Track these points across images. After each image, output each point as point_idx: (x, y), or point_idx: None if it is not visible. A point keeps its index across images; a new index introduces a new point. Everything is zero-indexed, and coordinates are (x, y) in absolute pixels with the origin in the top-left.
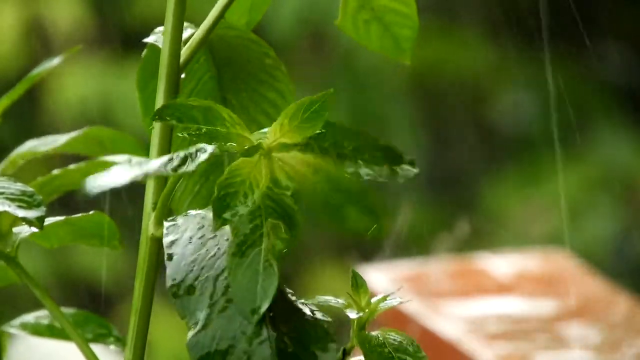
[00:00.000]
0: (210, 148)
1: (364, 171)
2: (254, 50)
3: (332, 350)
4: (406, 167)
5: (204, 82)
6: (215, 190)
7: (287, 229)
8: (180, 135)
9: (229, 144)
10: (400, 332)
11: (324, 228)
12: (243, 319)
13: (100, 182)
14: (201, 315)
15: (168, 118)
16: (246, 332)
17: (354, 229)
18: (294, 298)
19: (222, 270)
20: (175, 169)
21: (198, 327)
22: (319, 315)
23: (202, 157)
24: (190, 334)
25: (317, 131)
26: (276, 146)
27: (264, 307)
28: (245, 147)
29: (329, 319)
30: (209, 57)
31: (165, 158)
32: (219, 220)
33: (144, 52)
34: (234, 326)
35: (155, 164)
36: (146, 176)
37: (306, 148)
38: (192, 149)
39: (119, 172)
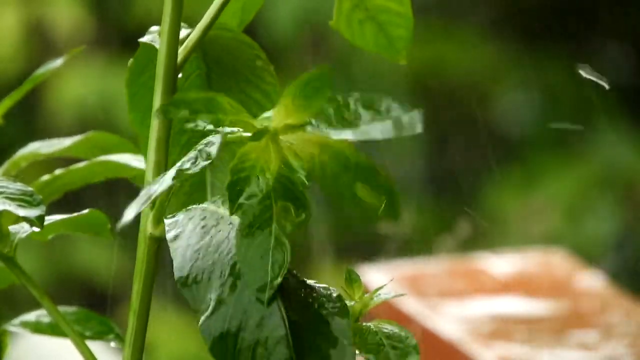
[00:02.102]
0: (217, 139)
1: (369, 133)
2: (245, 52)
3: (345, 317)
4: (410, 118)
5: (193, 80)
6: (228, 175)
7: (297, 210)
8: (184, 128)
9: (236, 131)
10: (393, 322)
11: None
12: (254, 295)
13: (134, 208)
14: (211, 299)
15: (171, 114)
16: (256, 306)
17: (365, 206)
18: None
19: (228, 253)
20: (191, 169)
21: (209, 311)
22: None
23: (213, 149)
24: (202, 318)
25: (321, 105)
26: (282, 128)
27: (277, 281)
28: (252, 133)
29: (339, 290)
30: (199, 55)
31: (179, 163)
32: (235, 205)
33: (136, 53)
34: (244, 302)
35: (172, 171)
36: (171, 184)
37: (312, 126)
38: (201, 146)
39: (145, 193)
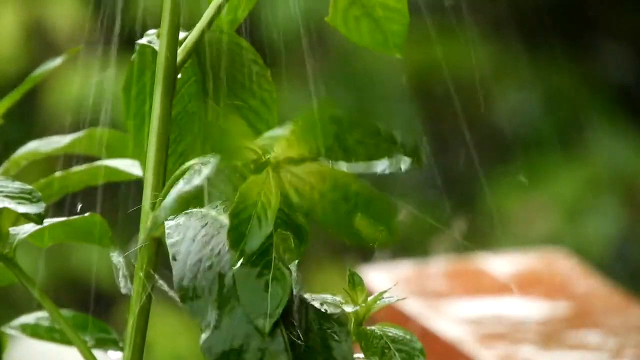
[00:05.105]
0: (210, 167)
1: (368, 165)
2: (241, 56)
3: (347, 342)
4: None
5: (189, 85)
6: (229, 220)
7: (296, 239)
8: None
9: (236, 158)
10: (397, 325)
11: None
12: (253, 325)
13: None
14: (212, 316)
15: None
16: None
17: (364, 236)
18: (306, 295)
19: (229, 268)
20: (187, 189)
21: (210, 328)
22: (330, 309)
23: (208, 172)
24: (203, 336)
25: (323, 144)
26: (284, 160)
27: (277, 313)
28: (253, 160)
29: (340, 312)
30: (194, 60)
31: (179, 186)
32: (237, 252)
33: (133, 56)
34: (246, 323)
35: (173, 196)
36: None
37: (313, 159)
38: (197, 167)
39: (153, 220)
